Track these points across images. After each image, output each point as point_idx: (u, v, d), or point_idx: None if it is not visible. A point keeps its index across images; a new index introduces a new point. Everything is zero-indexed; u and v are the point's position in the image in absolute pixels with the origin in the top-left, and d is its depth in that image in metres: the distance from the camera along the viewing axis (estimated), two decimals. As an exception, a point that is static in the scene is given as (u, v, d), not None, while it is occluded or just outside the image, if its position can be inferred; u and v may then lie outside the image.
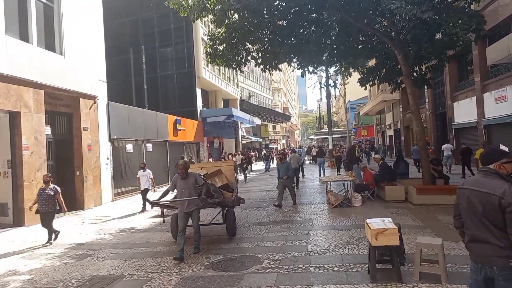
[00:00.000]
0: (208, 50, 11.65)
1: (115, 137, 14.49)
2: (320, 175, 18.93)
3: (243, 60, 11.93)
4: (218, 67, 28.98)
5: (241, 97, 39.03)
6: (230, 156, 26.79)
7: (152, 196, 10.97)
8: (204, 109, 25.94)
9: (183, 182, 6.11)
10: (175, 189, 6.30)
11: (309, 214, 8.81)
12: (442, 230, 6.50)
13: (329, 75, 27.17)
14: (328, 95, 25.44)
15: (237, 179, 7.98)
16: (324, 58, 13.92)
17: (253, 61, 12.24)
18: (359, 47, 13.11)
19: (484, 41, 17.97)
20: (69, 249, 7.20)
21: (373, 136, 53.82)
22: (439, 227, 6.73)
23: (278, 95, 69.50)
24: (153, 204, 6.37)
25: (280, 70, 12.66)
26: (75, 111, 12.59)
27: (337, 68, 32.78)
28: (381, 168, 10.42)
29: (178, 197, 6.22)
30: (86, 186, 12.63)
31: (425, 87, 15.17)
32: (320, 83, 27.06)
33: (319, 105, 60.72)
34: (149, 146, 17.21)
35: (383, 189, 9.84)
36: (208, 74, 26.44)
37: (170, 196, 6.73)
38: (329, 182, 10.23)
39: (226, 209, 7.29)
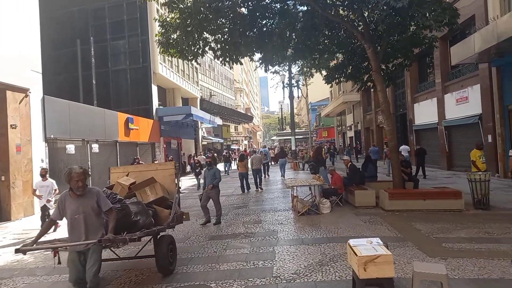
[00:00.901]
0: (159, 38, 10.28)
1: (52, 136, 12.64)
2: (282, 175, 18.58)
3: (200, 51, 10.69)
4: (176, 64, 27.35)
5: (201, 96, 37.51)
6: (195, 158, 25.34)
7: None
8: (161, 107, 24.22)
9: (76, 204, 3.80)
10: (65, 216, 3.95)
11: (273, 224, 7.76)
12: (424, 243, 5.68)
13: (292, 75, 26.55)
14: (291, 95, 24.73)
15: (179, 187, 6.09)
16: (288, 53, 13.02)
17: (211, 52, 11.03)
18: (325, 42, 12.35)
19: (445, 42, 18.04)
20: (-31, 279, 5.61)
21: (333, 137, 54.46)
22: (420, 239, 5.92)
23: (240, 96, 68.45)
24: (22, 251, 3.98)
25: (241, 63, 11.57)
26: (0, 105, 10.70)
27: (300, 68, 32.47)
28: (349, 170, 9.61)
29: (68, 228, 3.90)
30: (14, 193, 10.77)
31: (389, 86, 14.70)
32: (283, 83, 26.32)
33: (281, 106, 60.46)
34: (95, 147, 15.41)
35: (353, 193, 9.03)
36: (166, 71, 24.77)
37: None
38: (293, 186, 9.22)
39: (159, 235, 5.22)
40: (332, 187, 9.15)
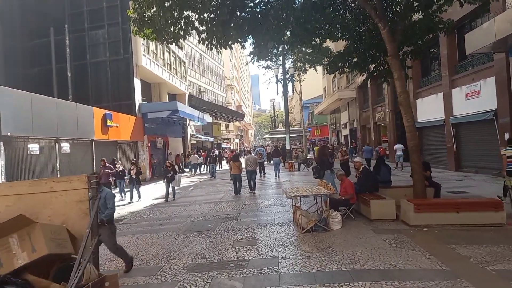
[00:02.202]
0: (132, 15, 8.51)
1: (9, 134, 10.78)
2: (276, 176, 17.57)
3: (181, 32, 8.95)
4: (162, 57, 25.49)
5: (190, 92, 35.67)
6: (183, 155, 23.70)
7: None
8: (144, 103, 22.33)
9: None
10: None
11: (272, 245, 6.08)
12: (484, 282, 4.08)
13: (286, 69, 24.95)
14: (285, 90, 23.11)
15: (97, 223, 3.34)
16: (285, 38, 11.38)
17: (194, 33, 9.31)
18: (328, 25, 10.73)
19: (453, 33, 16.62)
20: None
21: (327, 136, 53.26)
22: (476, 274, 4.31)
23: (231, 93, 66.66)
24: None
25: (231, 48, 9.86)
26: None
27: (293, 62, 30.91)
28: (362, 175, 7.97)
29: None
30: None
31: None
32: (277, 77, 24.71)
33: (273, 104, 58.98)
34: (66, 146, 13.57)
35: (367, 203, 7.41)
36: (150, 63, 22.90)
37: None
38: (296, 196, 7.50)
39: None
40: (343, 197, 7.50)
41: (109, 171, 12.75)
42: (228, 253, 5.79)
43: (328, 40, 12.14)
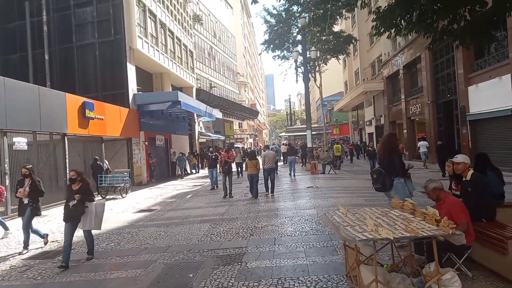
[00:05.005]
0: None
1: None
2: (290, 174, 16.39)
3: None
4: (163, 42, 22.17)
5: (199, 86, 32.36)
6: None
7: None
8: (139, 93, 18.98)
9: None
10: None
11: None
12: None
13: (308, 53, 21.31)
14: (306, 78, 19.43)
15: None
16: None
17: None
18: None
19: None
20: None
21: (347, 135, 49.40)
22: None
23: (245, 90, 63.18)
24: None
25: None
26: None
27: (315, 48, 27.23)
28: (473, 187, 4.21)
29: None
30: None
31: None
32: (296, 62, 21.11)
33: (289, 99, 55.43)
34: (22, 142, 10.27)
35: (498, 245, 3.71)
36: (148, 48, 19.58)
37: None
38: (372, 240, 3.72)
39: None
40: (455, 232, 3.77)
41: None
42: None
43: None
